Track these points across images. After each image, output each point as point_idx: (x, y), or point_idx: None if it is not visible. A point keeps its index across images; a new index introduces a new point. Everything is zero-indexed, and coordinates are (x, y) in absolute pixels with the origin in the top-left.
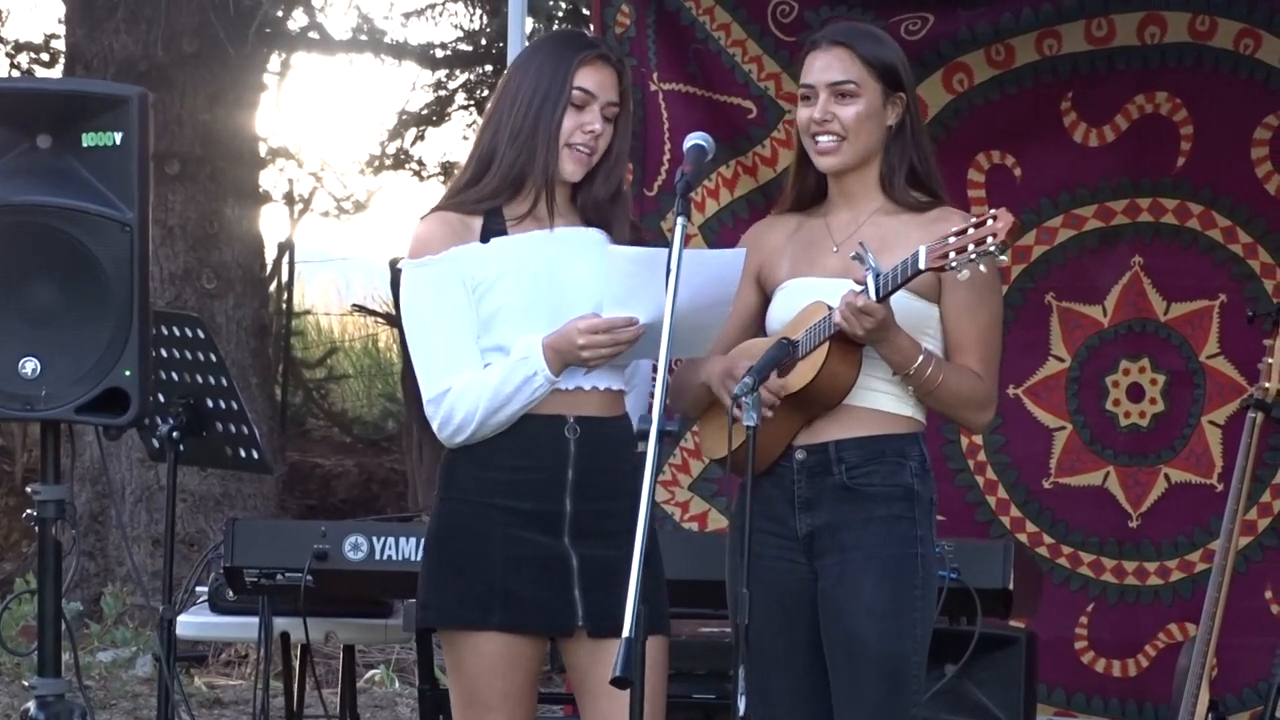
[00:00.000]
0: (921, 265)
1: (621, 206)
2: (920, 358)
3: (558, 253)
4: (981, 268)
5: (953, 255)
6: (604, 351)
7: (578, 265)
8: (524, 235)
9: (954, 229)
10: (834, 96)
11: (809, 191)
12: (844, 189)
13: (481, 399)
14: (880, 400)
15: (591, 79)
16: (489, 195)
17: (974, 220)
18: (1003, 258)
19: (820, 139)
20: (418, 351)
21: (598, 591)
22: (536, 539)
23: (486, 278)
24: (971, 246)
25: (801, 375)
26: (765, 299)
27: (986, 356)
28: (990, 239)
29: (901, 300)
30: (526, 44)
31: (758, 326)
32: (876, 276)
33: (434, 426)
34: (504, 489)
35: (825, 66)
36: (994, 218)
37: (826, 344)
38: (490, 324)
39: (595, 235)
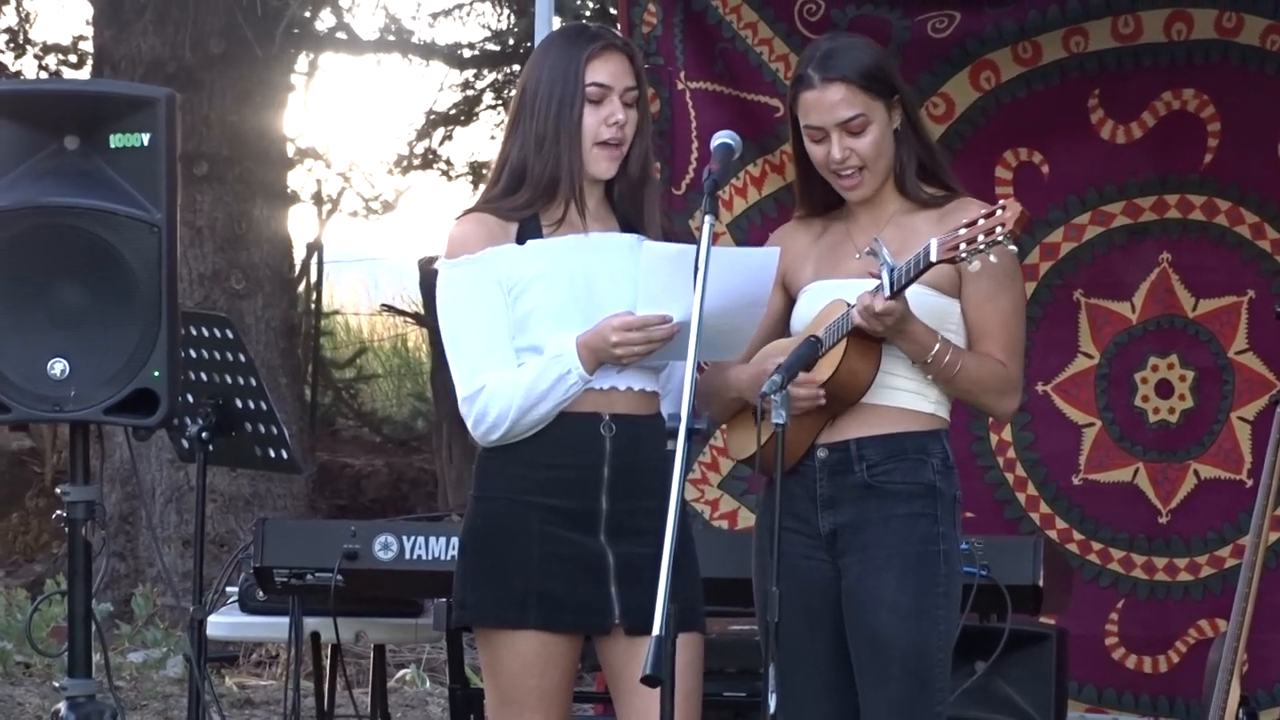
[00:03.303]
0: (933, 258)
1: (651, 190)
2: (937, 346)
3: (593, 256)
4: (991, 258)
5: (963, 246)
6: (637, 349)
7: (613, 268)
8: (560, 238)
9: (965, 220)
10: (846, 133)
11: (820, 200)
12: None
13: (515, 397)
14: (901, 398)
15: (604, 71)
16: (523, 205)
17: (984, 211)
18: (1012, 247)
19: (844, 175)
20: (453, 350)
21: (634, 588)
22: (572, 537)
23: (522, 278)
24: (981, 237)
25: (820, 372)
26: (790, 302)
27: (1009, 344)
28: (999, 228)
29: (922, 296)
30: None
31: (782, 329)
32: (891, 271)
33: (469, 424)
34: (540, 487)
35: (830, 107)
36: (1003, 208)
37: (844, 341)
38: (525, 325)
39: (631, 240)
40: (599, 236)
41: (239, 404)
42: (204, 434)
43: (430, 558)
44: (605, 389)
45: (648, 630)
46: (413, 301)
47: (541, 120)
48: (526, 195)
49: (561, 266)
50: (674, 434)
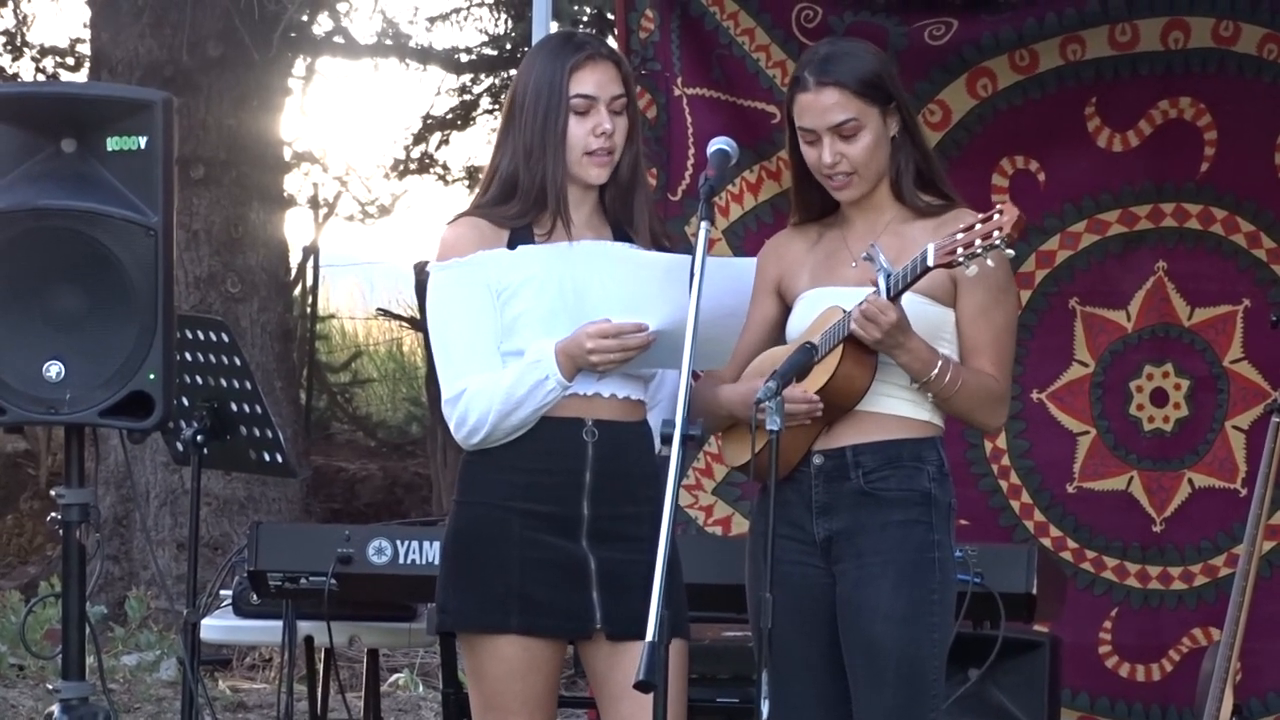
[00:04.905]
0: (930, 262)
1: (642, 195)
2: (939, 364)
3: (583, 263)
4: (989, 262)
5: (960, 251)
6: (612, 357)
7: (602, 276)
8: (551, 245)
9: (961, 225)
10: (839, 137)
11: (816, 206)
12: (858, 203)
13: (494, 401)
14: (897, 405)
15: (589, 81)
16: (516, 215)
17: (980, 217)
18: (1009, 252)
19: (835, 178)
20: (439, 353)
21: (615, 594)
22: (554, 542)
23: (511, 283)
24: (978, 242)
25: (815, 379)
26: (785, 310)
27: (1001, 358)
28: (996, 233)
29: (917, 305)
30: None
31: (777, 338)
32: (887, 276)
33: (450, 427)
34: (522, 492)
35: (823, 110)
36: (1000, 212)
37: (840, 347)
38: (512, 329)
39: (623, 248)
40: (590, 244)
41: (234, 407)
42: (199, 437)
43: (424, 562)
44: (589, 395)
45: (629, 636)
46: (408, 306)
47: (529, 133)
48: (518, 206)
49: (552, 272)
50: (668, 440)
